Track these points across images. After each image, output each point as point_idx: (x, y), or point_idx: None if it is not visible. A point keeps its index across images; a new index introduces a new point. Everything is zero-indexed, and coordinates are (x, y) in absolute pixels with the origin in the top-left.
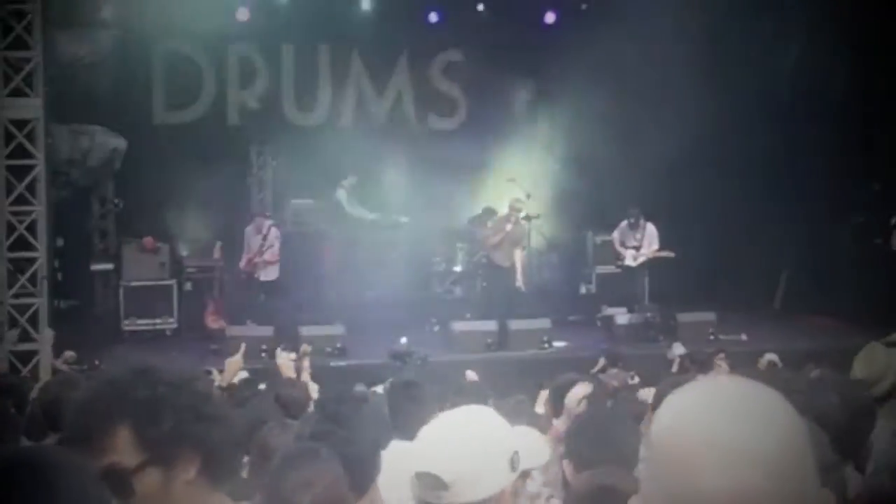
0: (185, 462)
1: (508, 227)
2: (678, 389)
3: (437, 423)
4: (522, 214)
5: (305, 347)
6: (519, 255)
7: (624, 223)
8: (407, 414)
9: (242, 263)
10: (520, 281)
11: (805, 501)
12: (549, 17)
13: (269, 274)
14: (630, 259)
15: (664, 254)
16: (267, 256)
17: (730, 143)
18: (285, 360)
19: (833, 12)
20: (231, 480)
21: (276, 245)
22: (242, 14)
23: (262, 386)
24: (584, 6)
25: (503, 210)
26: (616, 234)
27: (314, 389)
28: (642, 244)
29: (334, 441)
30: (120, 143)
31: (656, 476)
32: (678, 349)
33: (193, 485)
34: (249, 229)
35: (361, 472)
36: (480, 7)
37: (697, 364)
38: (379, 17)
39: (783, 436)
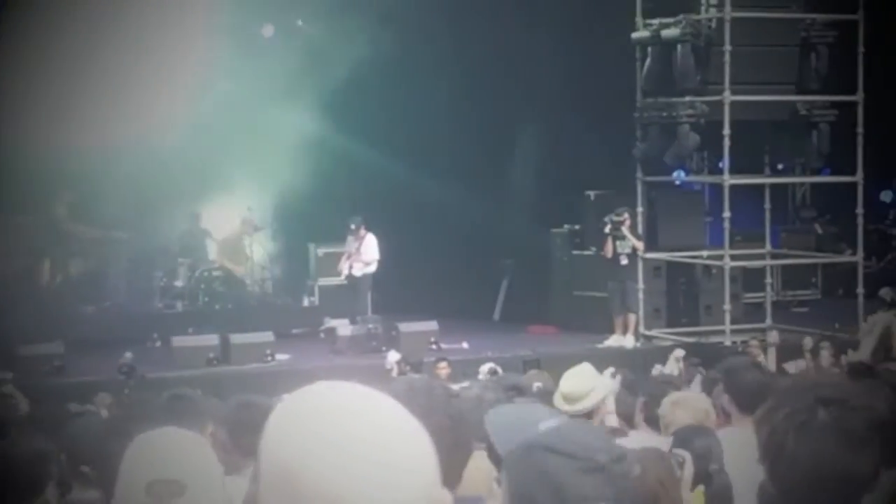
0: None
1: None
2: (288, 395)
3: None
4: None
5: None
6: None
7: (350, 235)
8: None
9: None
10: None
11: (423, 500)
12: (268, 31)
13: None
14: (356, 269)
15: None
16: None
17: (447, 153)
18: None
19: (550, 17)
20: None
21: None
22: None
23: None
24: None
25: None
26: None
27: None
28: (360, 253)
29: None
30: None
31: (267, 483)
32: (393, 356)
33: None
34: None
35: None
36: None
37: (412, 366)
38: None
39: (394, 438)
